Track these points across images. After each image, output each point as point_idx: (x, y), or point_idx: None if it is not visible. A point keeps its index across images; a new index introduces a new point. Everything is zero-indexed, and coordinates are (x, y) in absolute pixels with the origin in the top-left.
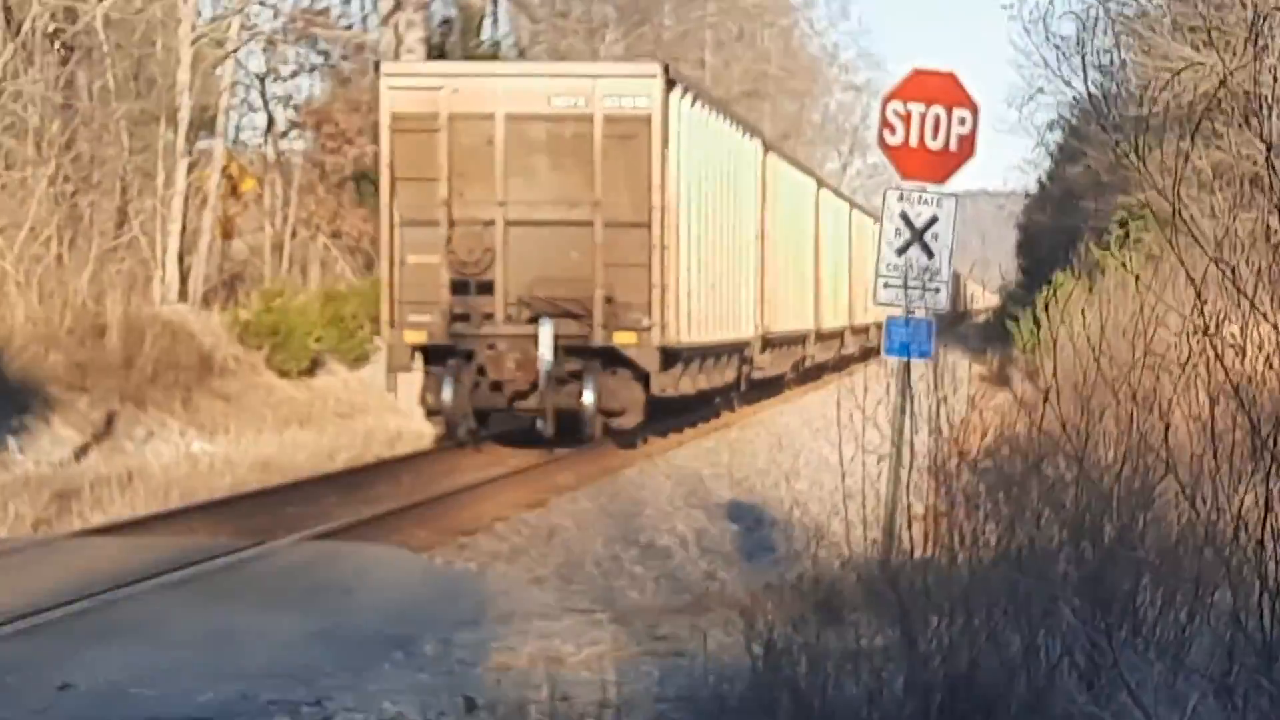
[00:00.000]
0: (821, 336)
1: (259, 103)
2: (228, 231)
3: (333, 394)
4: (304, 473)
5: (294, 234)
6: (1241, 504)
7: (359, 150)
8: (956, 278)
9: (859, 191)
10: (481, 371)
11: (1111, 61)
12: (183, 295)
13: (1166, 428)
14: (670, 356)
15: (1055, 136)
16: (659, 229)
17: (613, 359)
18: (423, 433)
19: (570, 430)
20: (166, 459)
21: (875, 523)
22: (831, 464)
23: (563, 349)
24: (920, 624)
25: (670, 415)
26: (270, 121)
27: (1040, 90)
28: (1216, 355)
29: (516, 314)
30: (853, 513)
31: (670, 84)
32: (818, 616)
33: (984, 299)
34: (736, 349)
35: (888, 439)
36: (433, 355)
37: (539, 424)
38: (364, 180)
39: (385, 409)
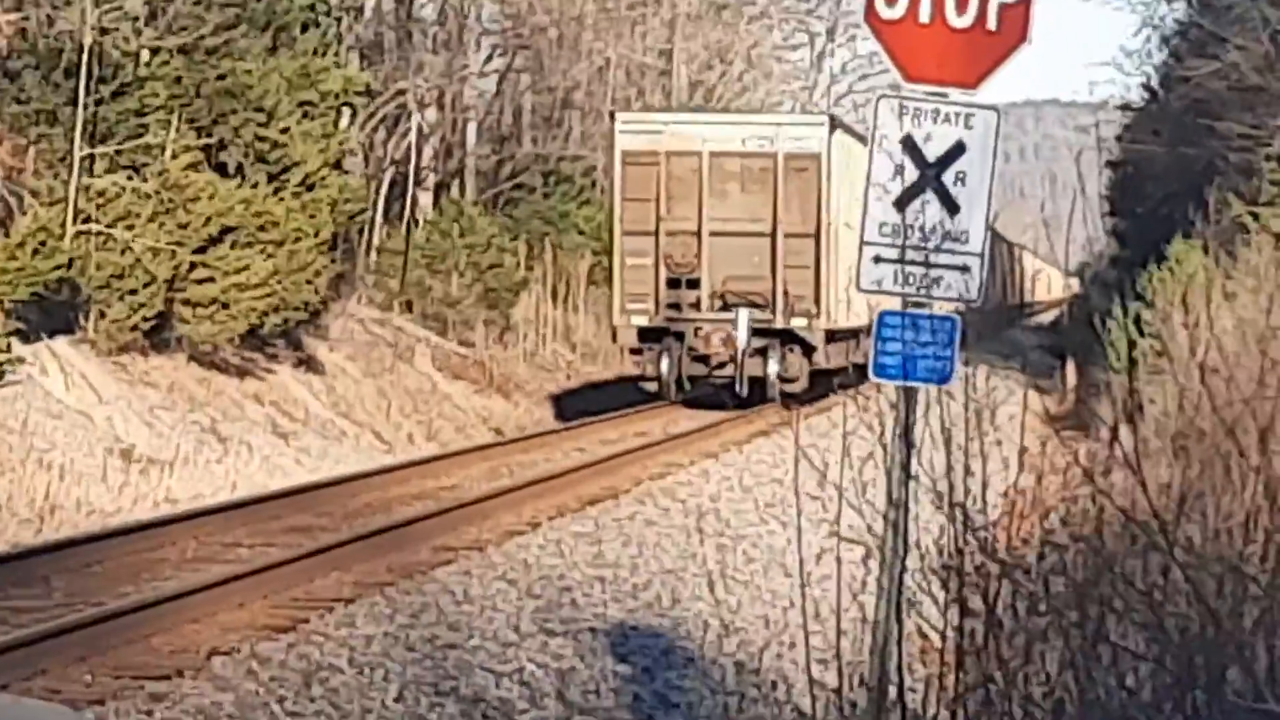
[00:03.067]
0: None
1: None
2: None
3: None
4: None
5: None
6: None
7: None
8: (1004, 247)
9: (844, 103)
10: (690, 348)
11: None
12: None
13: None
14: (829, 337)
15: (1175, 11)
16: (824, 239)
17: (788, 338)
18: (96, 506)
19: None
20: None
21: (859, 661)
22: (787, 560)
23: (751, 330)
24: None
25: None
26: None
27: None
28: None
29: (711, 304)
30: (819, 642)
31: (833, 129)
32: None
33: (1054, 283)
34: (856, 334)
35: (878, 522)
36: (646, 335)
37: (736, 387)
38: None
39: (34, 461)
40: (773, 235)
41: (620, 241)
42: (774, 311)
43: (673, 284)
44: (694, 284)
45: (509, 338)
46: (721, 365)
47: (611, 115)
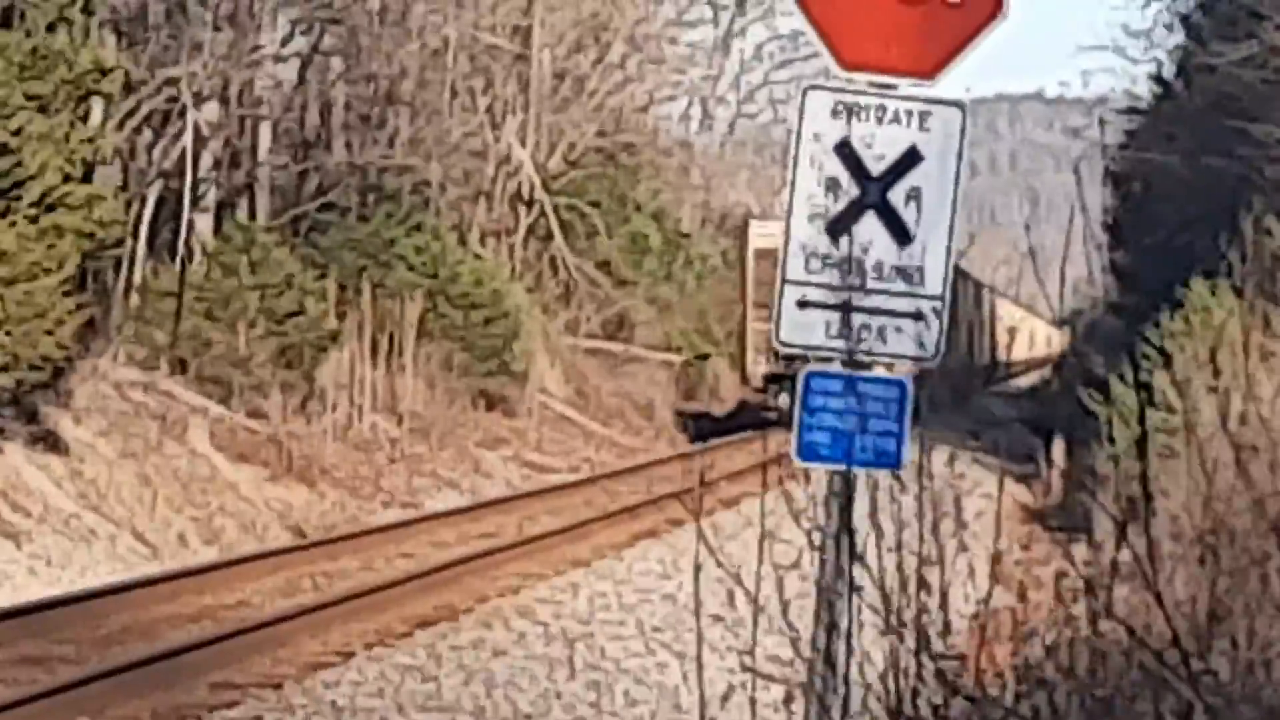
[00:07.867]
0: None
1: None
2: None
3: None
4: None
5: None
6: None
7: None
8: (971, 288)
9: (758, 98)
10: None
11: None
12: None
13: None
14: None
15: None
16: None
17: None
18: None
19: None
20: None
21: None
22: (683, 702)
23: None
24: None
25: None
26: None
27: None
28: None
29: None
30: None
31: None
32: None
33: (1037, 337)
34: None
35: (804, 651)
36: (770, 377)
37: None
38: None
39: None
40: None
41: (751, 311)
42: None
43: None
44: None
45: (313, 407)
46: None
47: (745, 222)
